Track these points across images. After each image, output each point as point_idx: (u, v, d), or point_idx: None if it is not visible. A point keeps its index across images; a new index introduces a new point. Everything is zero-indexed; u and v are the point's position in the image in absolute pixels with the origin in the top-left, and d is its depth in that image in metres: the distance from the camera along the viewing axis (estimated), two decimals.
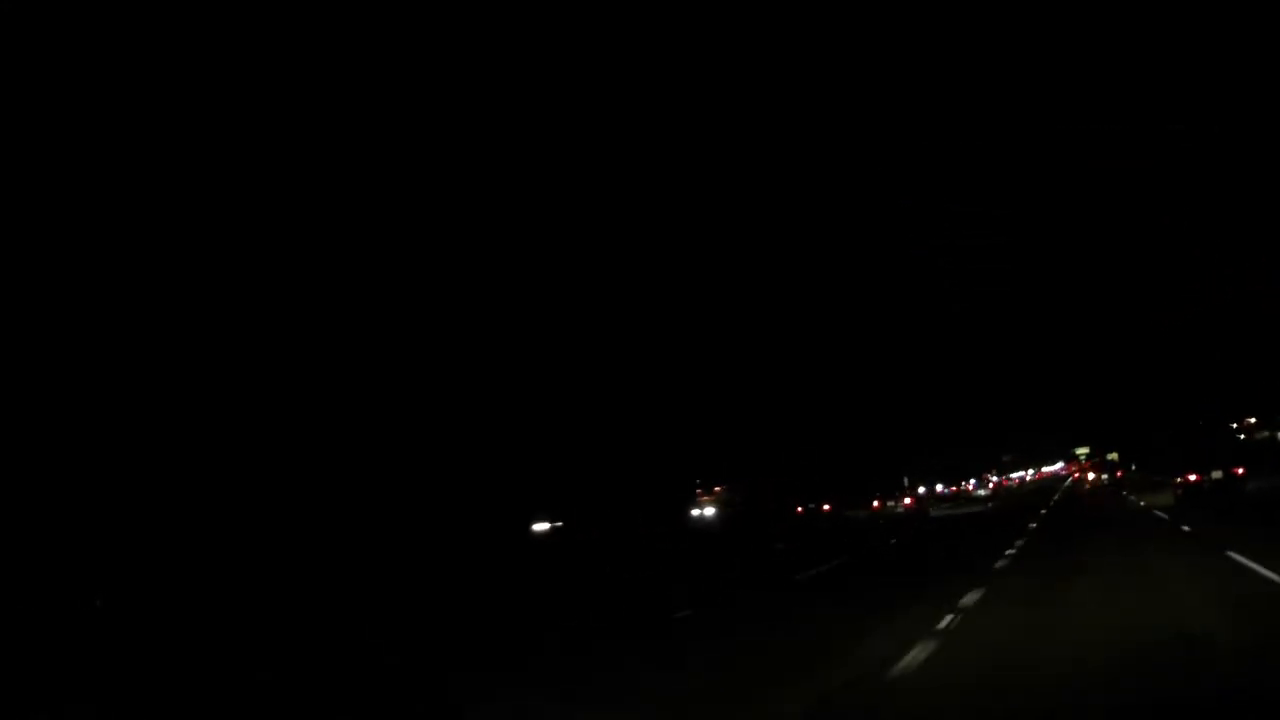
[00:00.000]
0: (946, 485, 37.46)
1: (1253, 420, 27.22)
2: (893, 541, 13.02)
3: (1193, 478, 14.01)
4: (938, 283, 15.77)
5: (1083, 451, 41.55)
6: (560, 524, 14.38)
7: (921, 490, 32.84)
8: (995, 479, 42.72)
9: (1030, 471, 50.96)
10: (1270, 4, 8.11)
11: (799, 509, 22.92)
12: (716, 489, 20.68)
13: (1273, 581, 4.44)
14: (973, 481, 39.22)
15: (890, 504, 27.40)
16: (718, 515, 19.08)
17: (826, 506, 24.09)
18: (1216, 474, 13.91)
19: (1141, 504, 14.23)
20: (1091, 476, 30.74)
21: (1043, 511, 17.20)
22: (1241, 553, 5.48)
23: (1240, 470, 14.05)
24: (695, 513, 19.08)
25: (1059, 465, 49.54)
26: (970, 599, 4.99)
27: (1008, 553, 8.21)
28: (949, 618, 4.37)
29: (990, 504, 28.47)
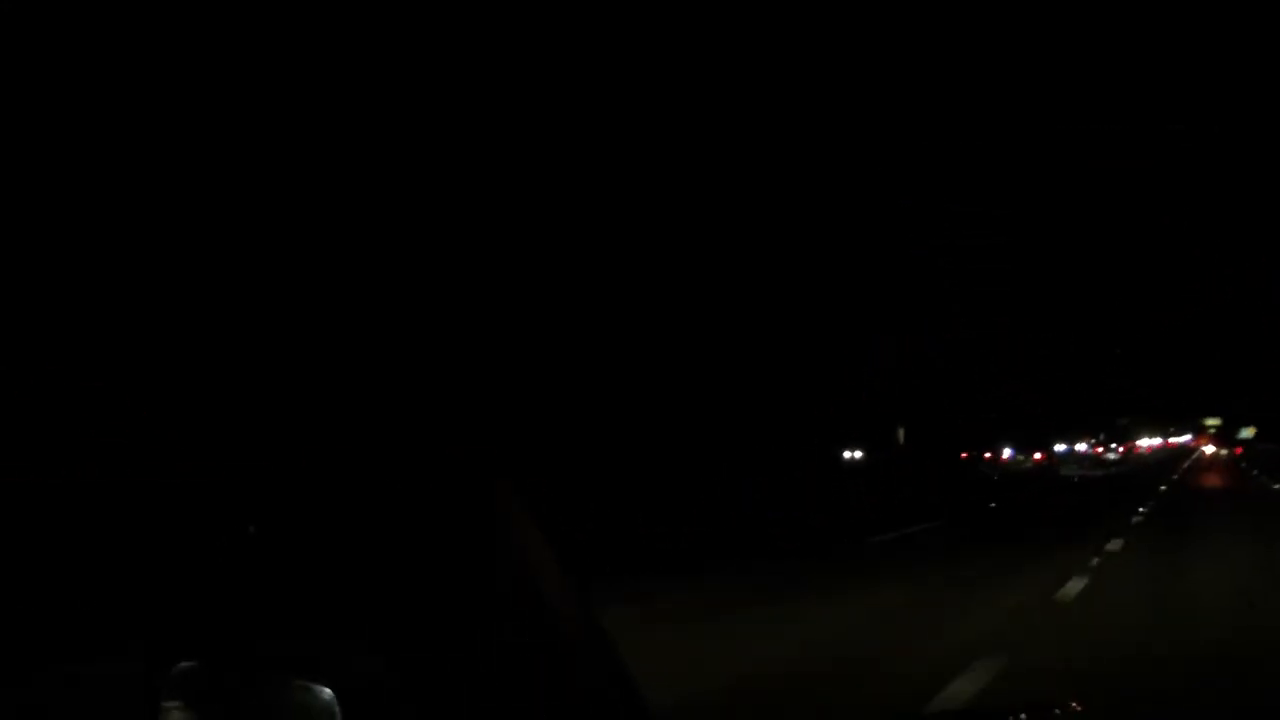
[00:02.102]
0: (1093, 445, 37.01)
1: None
2: (1032, 492, 14.98)
3: None
4: (938, 283, 15.78)
5: (1213, 423, 39.88)
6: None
7: (1060, 448, 33.46)
8: (1119, 445, 41.69)
9: (1158, 440, 49.26)
10: (1270, 4, 8.12)
11: (963, 455, 22.76)
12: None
13: None
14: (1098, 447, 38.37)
15: (1019, 458, 28.81)
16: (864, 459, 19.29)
17: (987, 455, 25.00)
18: None
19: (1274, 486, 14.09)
20: (1210, 450, 31.14)
21: (1174, 477, 18.12)
22: None
23: None
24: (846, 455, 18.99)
25: (1187, 437, 47.69)
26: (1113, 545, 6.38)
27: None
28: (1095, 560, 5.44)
29: (1115, 468, 28.28)
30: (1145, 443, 47.08)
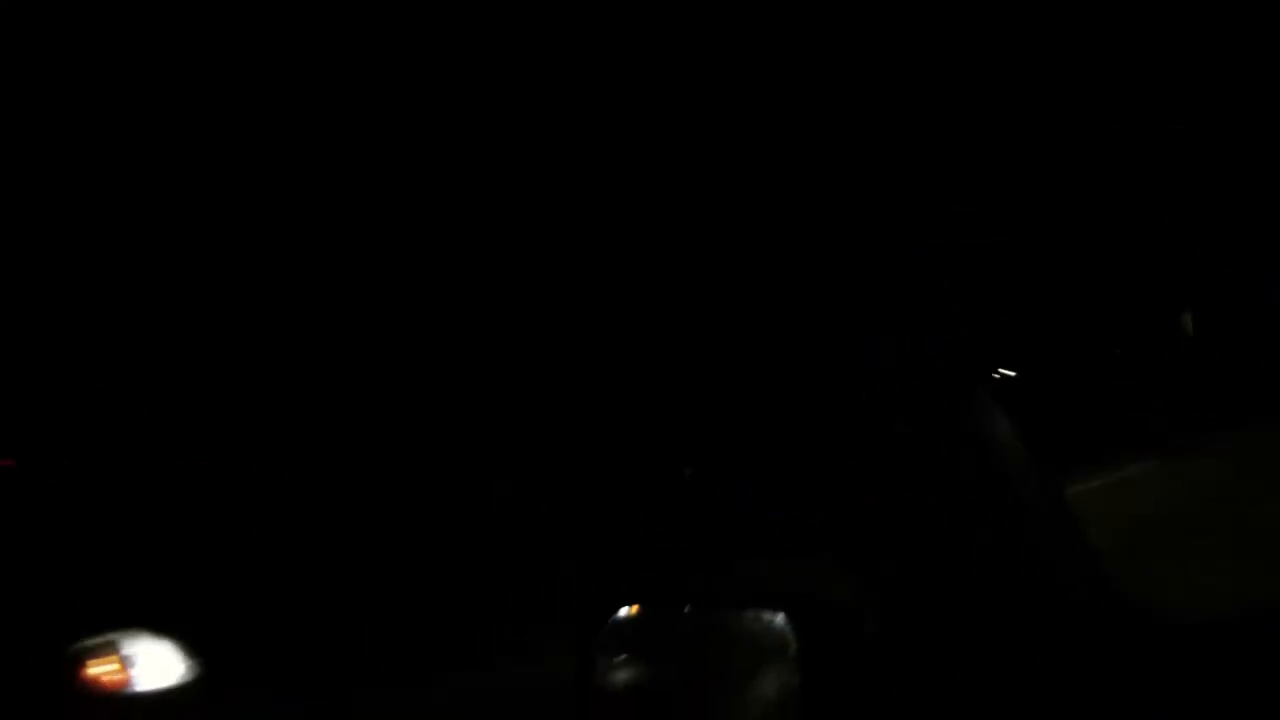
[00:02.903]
0: None
1: None
2: None
3: None
4: (938, 283, 15.70)
5: None
6: None
7: None
8: None
9: None
10: (1270, 4, 8.10)
11: None
12: None
13: None
14: None
15: None
16: None
17: None
18: None
19: None
20: None
21: None
22: None
23: None
24: None
25: None
26: None
27: None
28: None
29: None
30: None
